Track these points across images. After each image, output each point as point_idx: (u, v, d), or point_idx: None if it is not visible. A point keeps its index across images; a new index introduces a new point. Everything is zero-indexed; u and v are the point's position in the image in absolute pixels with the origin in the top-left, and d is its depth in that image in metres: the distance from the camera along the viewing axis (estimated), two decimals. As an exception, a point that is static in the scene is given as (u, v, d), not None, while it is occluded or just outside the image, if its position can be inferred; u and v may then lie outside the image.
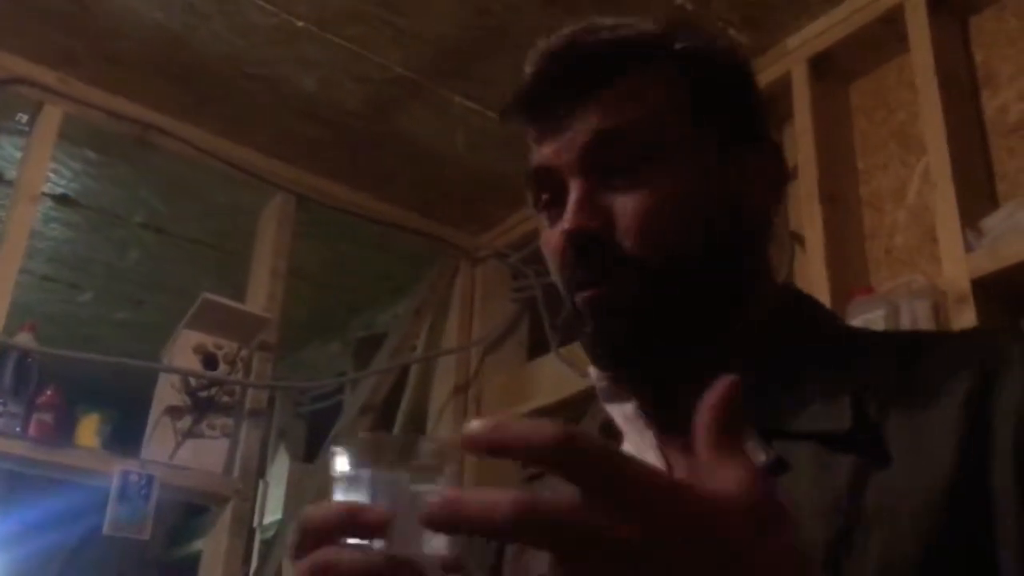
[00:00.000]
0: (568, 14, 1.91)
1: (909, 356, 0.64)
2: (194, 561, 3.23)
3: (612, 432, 0.73)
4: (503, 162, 2.26)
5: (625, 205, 0.66)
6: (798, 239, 1.75)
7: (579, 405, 2.03)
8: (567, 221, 0.66)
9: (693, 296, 0.67)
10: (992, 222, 1.46)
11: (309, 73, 2.04)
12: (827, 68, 1.83)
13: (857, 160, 1.81)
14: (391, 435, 0.57)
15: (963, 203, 1.51)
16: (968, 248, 1.47)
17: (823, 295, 1.58)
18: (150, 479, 1.86)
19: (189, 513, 3.18)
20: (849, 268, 1.68)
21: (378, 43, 1.95)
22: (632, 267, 0.65)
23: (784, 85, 1.84)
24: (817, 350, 0.67)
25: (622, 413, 0.71)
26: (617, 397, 0.72)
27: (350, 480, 0.56)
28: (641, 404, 0.71)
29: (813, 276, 1.65)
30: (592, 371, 0.74)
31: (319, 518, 0.57)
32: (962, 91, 1.64)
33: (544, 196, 0.71)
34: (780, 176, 0.74)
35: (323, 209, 2.38)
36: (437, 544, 0.55)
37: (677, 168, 0.67)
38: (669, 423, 0.69)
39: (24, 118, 2.04)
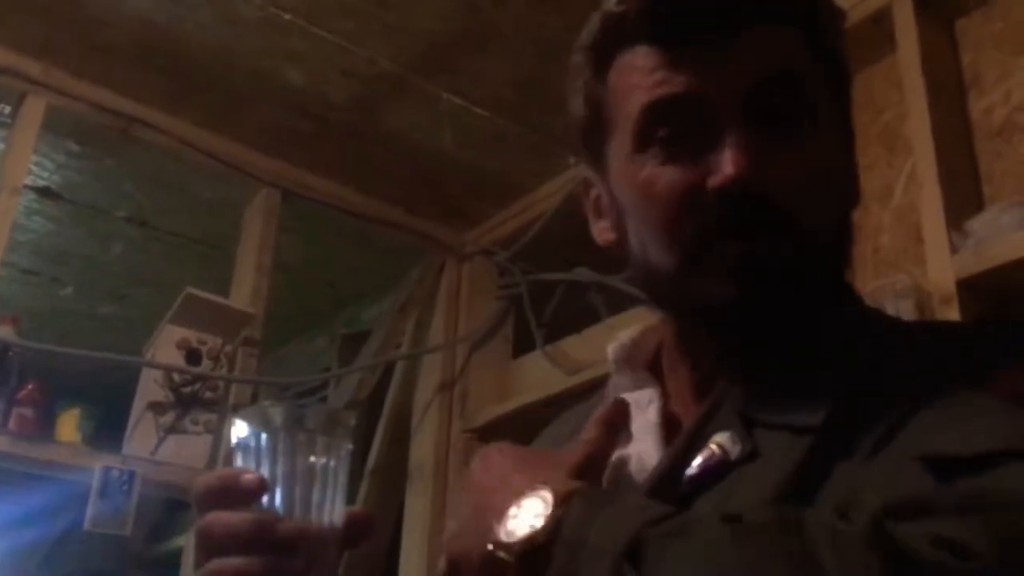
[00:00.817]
0: (556, 12, 1.91)
1: (903, 348, 0.64)
2: (176, 558, 3.21)
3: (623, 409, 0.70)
4: (491, 158, 2.26)
5: (784, 162, 0.61)
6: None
7: (564, 403, 2.03)
8: (734, 165, 0.59)
9: (832, 269, 0.66)
10: (977, 224, 1.47)
11: (296, 67, 2.03)
12: (815, 68, 1.83)
13: (844, 160, 1.82)
14: (287, 404, 0.59)
15: (949, 204, 1.51)
16: (954, 249, 1.47)
17: (809, 295, 1.58)
18: (131, 475, 1.85)
19: (171, 509, 3.16)
20: (835, 268, 1.69)
21: (366, 37, 1.94)
22: (792, 230, 0.61)
23: (772, 85, 1.84)
24: (827, 330, 0.66)
25: (634, 400, 0.70)
26: (633, 386, 0.72)
27: (245, 449, 0.58)
28: (662, 393, 0.70)
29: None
30: (612, 352, 0.74)
31: (203, 486, 0.59)
32: (949, 93, 1.64)
33: (665, 129, 0.63)
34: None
35: (309, 204, 2.36)
36: (334, 510, 0.56)
37: (827, 130, 0.65)
38: (673, 408, 0.69)
39: (7, 109, 2.02)
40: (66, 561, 3.29)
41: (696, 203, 0.61)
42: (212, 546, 0.56)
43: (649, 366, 0.74)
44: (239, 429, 0.58)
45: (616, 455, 0.68)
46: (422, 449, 2.39)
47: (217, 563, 0.55)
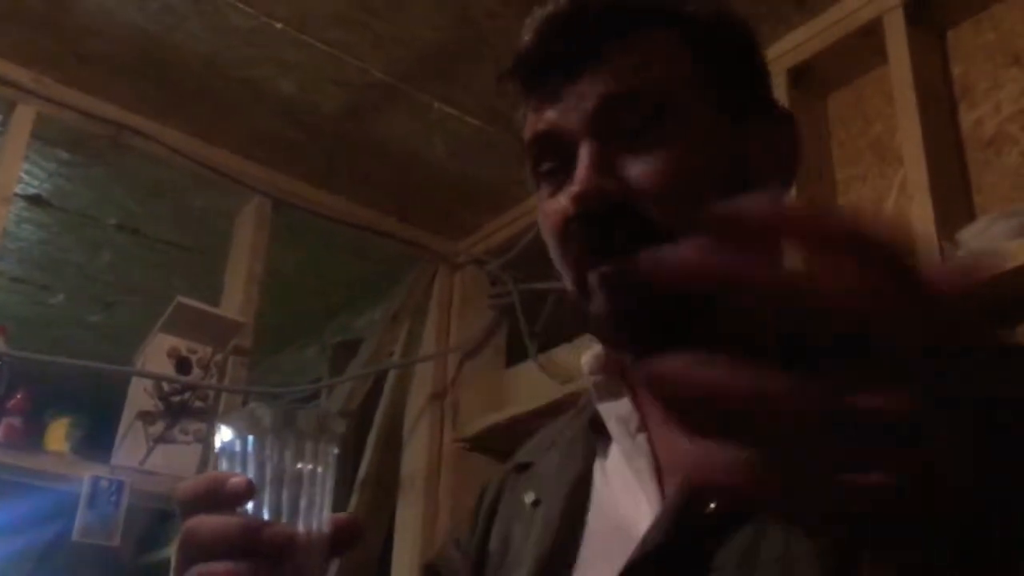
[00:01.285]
0: (549, 21, 1.91)
1: None
2: (164, 569, 3.19)
3: (601, 430, 0.70)
4: (482, 168, 2.26)
5: (640, 168, 0.62)
6: (776, 249, 1.76)
7: (557, 412, 2.03)
8: (578, 182, 0.61)
9: None
10: (968, 234, 1.47)
11: (287, 76, 2.02)
12: (805, 79, 1.84)
13: (835, 170, 1.82)
14: (275, 407, 0.58)
15: (940, 215, 1.51)
16: (945, 260, 1.48)
17: (801, 305, 1.59)
18: (120, 485, 1.84)
19: (160, 519, 3.14)
20: (826, 278, 1.69)
21: (358, 47, 1.94)
22: (650, 233, 0.60)
23: (763, 95, 1.85)
24: None
25: (615, 413, 0.69)
26: (610, 395, 0.69)
27: (231, 454, 0.57)
28: (636, 401, 0.68)
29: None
30: (585, 366, 0.71)
31: (188, 490, 0.58)
32: (939, 104, 1.65)
33: (546, 164, 0.67)
34: (793, 148, 0.70)
35: (300, 213, 2.36)
36: (321, 516, 0.56)
37: (690, 133, 0.64)
38: (662, 424, 0.66)
39: (-3, 117, 2.01)
40: (54, 572, 3.27)
41: (568, 230, 0.63)
42: (197, 550, 0.55)
43: (623, 371, 0.73)
44: (224, 433, 0.58)
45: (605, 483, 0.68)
46: (414, 459, 2.38)
47: (202, 567, 0.54)
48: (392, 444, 2.46)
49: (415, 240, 2.51)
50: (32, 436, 1.92)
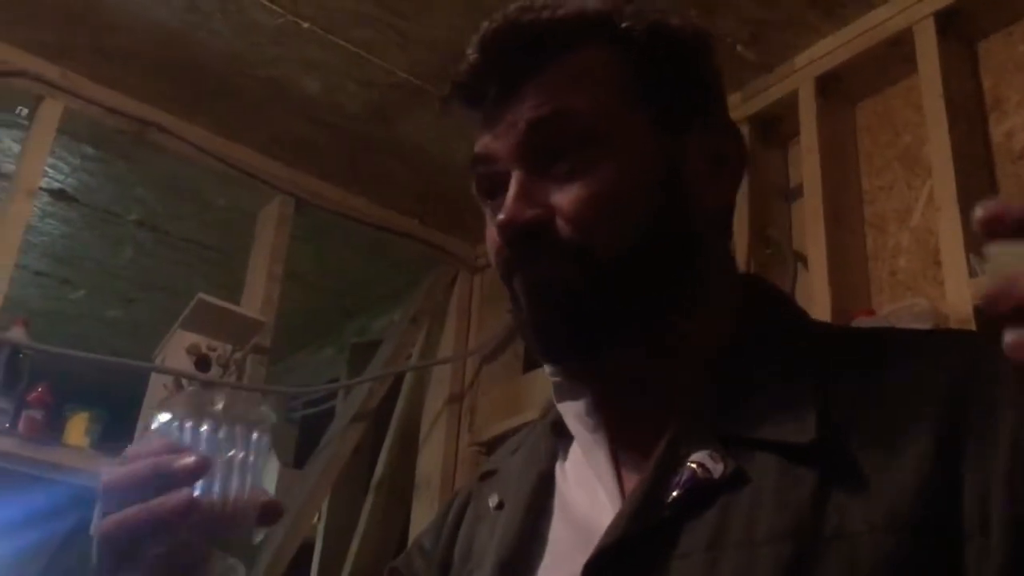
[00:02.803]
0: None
1: (881, 357, 0.62)
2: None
3: (563, 432, 0.70)
4: (504, 171, 2.25)
5: (564, 194, 0.64)
6: (801, 258, 1.75)
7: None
8: (502, 212, 0.63)
9: (637, 286, 0.64)
10: (996, 248, 1.45)
11: (312, 75, 2.03)
12: (834, 88, 1.83)
13: (862, 180, 1.81)
14: (203, 391, 0.60)
15: (968, 228, 1.50)
16: (972, 273, 1.46)
17: (824, 315, 1.57)
18: (138, 480, 1.83)
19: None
20: (851, 289, 1.68)
21: (383, 47, 1.94)
22: (570, 255, 0.63)
23: (791, 103, 1.84)
24: (781, 350, 0.64)
25: (573, 411, 0.69)
26: (569, 395, 0.69)
27: (164, 431, 0.60)
28: (592, 401, 0.68)
29: (815, 296, 1.64)
30: (546, 368, 0.72)
31: (129, 474, 0.59)
32: (969, 115, 1.63)
33: (486, 188, 0.69)
34: (734, 156, 0.71)
35: (321, 213, 2.36)
36: (245, 496, 0.59)
37: (618, 153, 0.64)
38: (620, 422, 0.67)
39: (24, 111, 2.02)
40: (69, 565, 3.28)
41: (499, 254, 0.66)
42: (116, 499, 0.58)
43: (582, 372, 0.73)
44: (163, 417, 0.60)
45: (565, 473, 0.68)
46: (430, 462, 2.38)
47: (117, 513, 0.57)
48: (408, 447, 2.46)
49: (436, 242, 2.50)
50: (52, 430, 1.93)
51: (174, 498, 0.56)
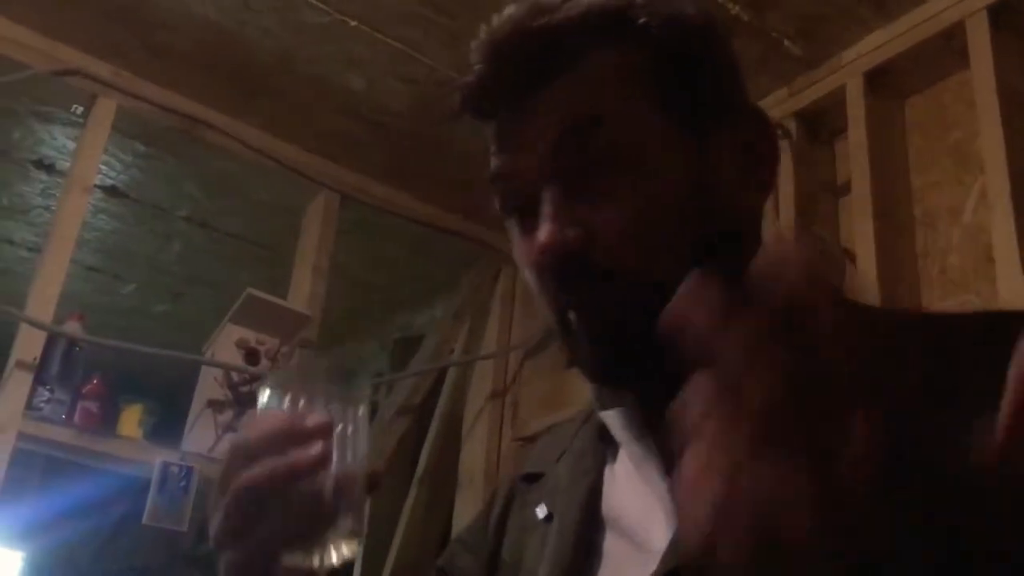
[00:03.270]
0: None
1: (939, 344, 0.59)
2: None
3: (609, 438, 0.69)
4: (548, 168, 2.26)
5: (603, 214, 0.61)
6: (850, 255, 1.73)
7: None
8: (542, 234, 0.60)
9: None
10: (1052, 244, 1.44)
11: (358, 72, 2.05)
12: (883, 83, 1.81)
13: (911, 177, 1.79)
14: (305, 363, 0.61)
15: (1020, 225, 1.48)
16: (1026, 270, 1.44)
17: (874, 312, 1.56)
18: (189, 471, 1.87)
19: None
20: (901, 286, 1.66)
21: (428, 45, 1.95)
22: (616, 284, 0.60)
23: (839, 98, 1.82)
24: None
25: (618, 419, 0.68)
26: (611, 402, 0.68)
27: (274, 408, 0.60)
28: (635, 406, 0.66)
29: (864, 294, 1.63)
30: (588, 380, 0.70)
31: (260, 433, 0.58)
32: (1022, 111, 1.61)
33: (511, 203, 0.65)
34: (764, 144, 0.67)
35: (365, 208, 2.38)
36: (356, 464, 0.60)
37: (650, 165, 0.62)
38: (665, 426, 0.66)
39: (79, 109, 2.06)
40: (117, 556, 3.35)
41: (541, 275, 0.62)
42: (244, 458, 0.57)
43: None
44: (270, 393, 0.61)
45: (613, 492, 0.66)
46: (472, 456, 2.39)
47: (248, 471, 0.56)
48: (451, 441, 2.47)
49: (479, 238, 2.51)
50: (107, 421, 1.97)
51: (310, 449, 0.56)
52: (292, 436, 0.57)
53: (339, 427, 0.59)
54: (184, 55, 2.03)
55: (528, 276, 0.65)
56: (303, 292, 2.21)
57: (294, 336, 2.11)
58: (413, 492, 2.42)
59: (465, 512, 2.34)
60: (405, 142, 2.27)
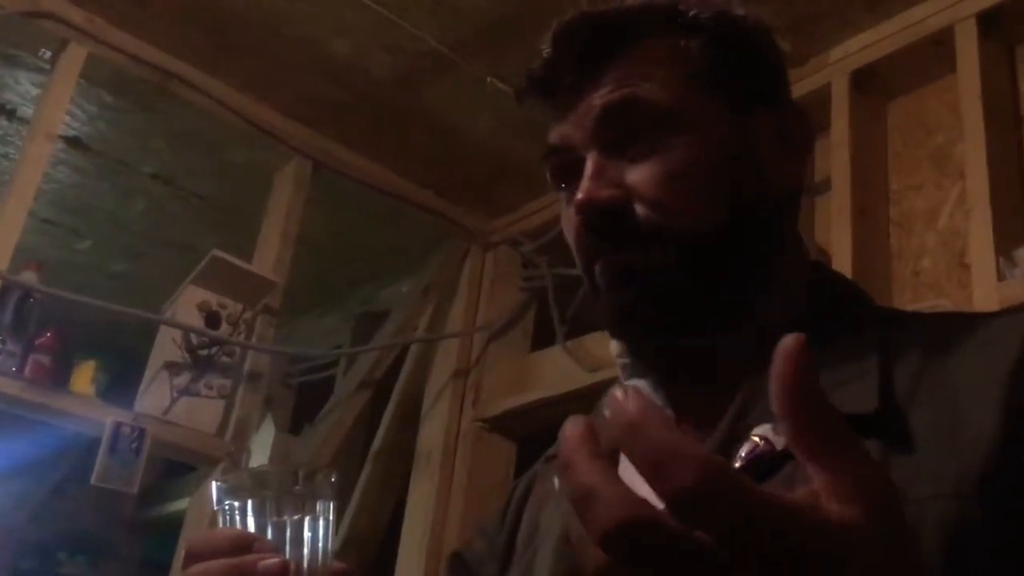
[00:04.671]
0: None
1: (944, 336, 0.62)
2: (165, 523, 3.19)
3: None
4: (525, 148, 2.23)
5: (640, 174, 0.66)
6: (824, 253, 1.74)
7: (581, 400, 2.01)
8: (580, 192, 0.65)
9: (721, 266, 0.66)
10: (1026, 253, 1.45)
11: (342, 37, 2.00)
12: (868, 83, 1.81)
13: (890, 179, 1.80)
14: (267, 469, 0.62)
15: (998, 231, 1.49)
16: (1000, 276, 1.45)
17: (847, 310, 1.56)
18: (142, 432, 1.82)
19: (164, 475, 3.14)
20: (874, 286, 1.67)
21: (415, 13, 1.91)
22: (649, 236, 0.64)
23: (823, 96, 1.82)
24: (846, 328, 0.65)
25: (644, 392, 0.69)
26: (636, 373, 0.70)
27: (229, 511, 0.61)
28: (658, 378, 0.69)
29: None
30: (613, 348, 0.72)
31: (208, 543, 0.61)
32: (1005, 119, 1.63)
33: (562, 175, 0.71)
34: (804, 139, 0.72)
35: (338, 177, 2.34)
36: (319, 560, 0.61)
37: (691, 132, 0.66)
38: (686, 397, 0.68)
39: (47, 54, 1.99)
40: (56, 518, 3.27)
41: (579, 233, 0.67)
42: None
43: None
44: (225, 492, 0.61)
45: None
46: (431, 435, 2.37)
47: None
48: (409, 419, 2.45)
49: (450, 215, 2.49)
50: (59, 376, 1.91)
51: (268, 562, 0.59)
52: (247, 547, 0.60)
53: (293, 531, 0.60)
54: (163, 5, 1.97)
55: (571, 243, 0.69)
56: (269, 257, 2.16)
57: (258, 302, 2.07)
58: (368, 467, 2.39)
59: (421, 490, 2.32)
60: (383, 113, 2.23)
